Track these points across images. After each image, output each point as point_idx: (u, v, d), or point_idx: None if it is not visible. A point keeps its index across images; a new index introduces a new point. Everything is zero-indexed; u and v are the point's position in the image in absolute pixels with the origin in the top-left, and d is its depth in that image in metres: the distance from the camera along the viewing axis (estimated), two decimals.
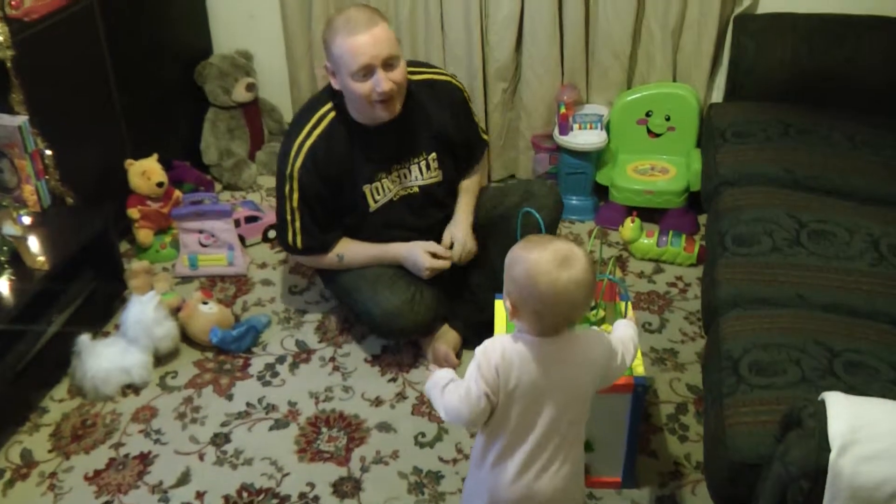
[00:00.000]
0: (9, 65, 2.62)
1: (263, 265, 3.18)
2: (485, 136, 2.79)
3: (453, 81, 2.67)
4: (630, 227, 3.06)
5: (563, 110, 3.18)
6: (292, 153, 2.48)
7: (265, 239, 3.29)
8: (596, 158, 3.27)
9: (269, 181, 3.63)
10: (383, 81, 2.32)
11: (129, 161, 3.19)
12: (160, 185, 3.18)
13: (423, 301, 2.55)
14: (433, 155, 2.62)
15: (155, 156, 3.23)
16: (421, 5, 3.30)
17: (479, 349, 1.71)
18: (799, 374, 1.90)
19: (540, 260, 1.62)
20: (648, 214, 3.22)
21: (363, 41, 2.30)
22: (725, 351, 2.03)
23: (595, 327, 2.10)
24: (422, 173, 2.62)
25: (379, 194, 2.57)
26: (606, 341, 1.79)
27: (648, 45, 3.23)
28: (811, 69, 2.90)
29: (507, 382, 1.68)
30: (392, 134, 2.50)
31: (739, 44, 3.02)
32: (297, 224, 2.55)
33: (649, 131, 3.28)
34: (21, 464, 2.42)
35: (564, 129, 3.20)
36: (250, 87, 3.61)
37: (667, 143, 3.27)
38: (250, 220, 3.26)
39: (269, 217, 3.27)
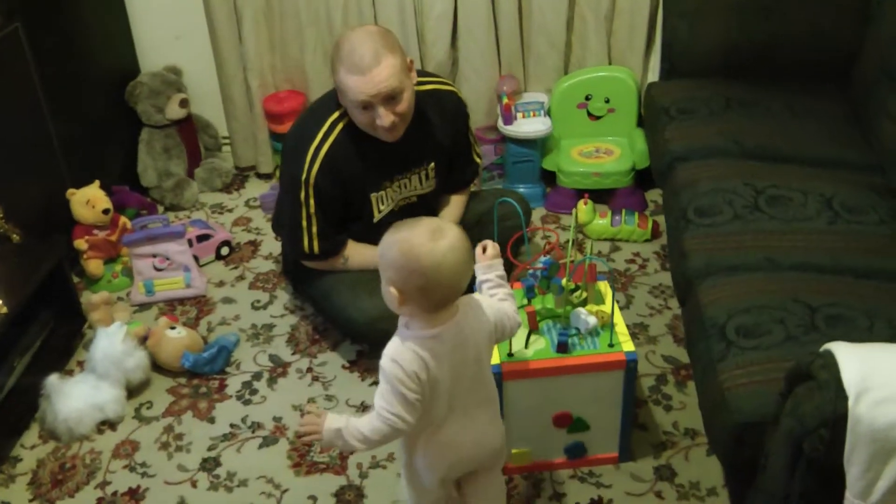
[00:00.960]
0: None
1: (221, 283, 3.13)
2: (478, 159, 2.83)
3: (457, 94, 2.71)
4: (584, 209, 3.12)
5: (505, 101, 3.22)
6: (307, 159, 2.45)
7: (218, 257, 3.24)
8: (541, 145, 3.33)
9: (212, 198, 3.59)
10: (384, 117, 2.33)
11: (70, 191, 3.10)
12: (106, 212, 3.10)
13: None
14: (432, 165, 2.64)
15: (97, 183, 3.15)
16: (354, 5, 3.29)
17: (385, 362, 1.71)
18: (784, 332, 1.98)
19: (412, 236, 1.66)
20: (597, 195, 3.28)
21: (363, 82, 2.28)
22: (709, 318, 2.10)
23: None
24: (421, 183, 2.65)
25: (383, 204, 2.59)
26: (481, 299, 1.84)
27: (582, 32, 3.29)
28: (744, 44, 2.99)
29: (429, 382, 1.71)
30: (398, 145, 2.49)
31: (672, 25, 3.10)
32: (314, 229, 2.53)
33: (590, 114, 3.34)
34: None
35: (508, 119, 3.24)
36: (184, 103, 3.54)
37: (608, 124, 3.35)
38: (202, 238, 3.20)
39: (221, 234, 3.23)
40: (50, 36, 3.05)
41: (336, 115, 2.49)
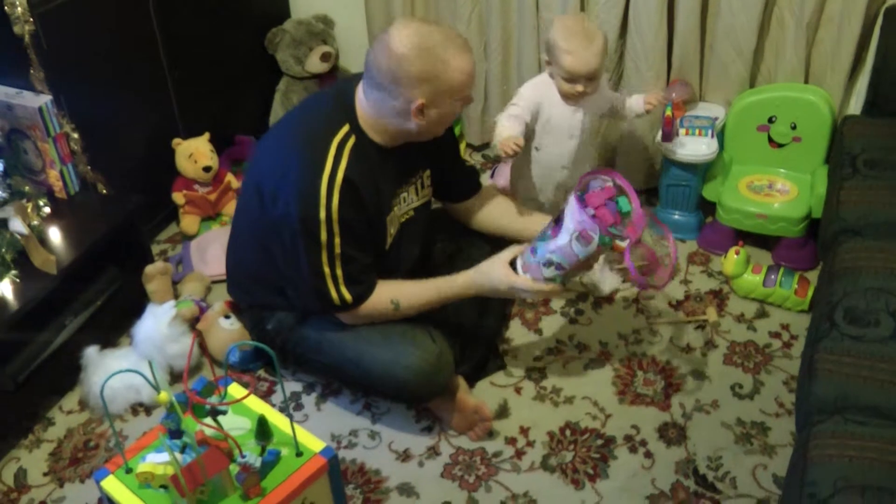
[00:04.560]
0: (27, 39, 2.35)
1: None
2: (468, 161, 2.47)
3: None
4: (734, 259, 2.56)
5: (668, 111, 2.66)
6: (321, 193, 1.98)
7: None
8: (704, 169, 2.76)
9: None
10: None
11: (176, 140, 2.92)
12: (207, 169, 2.90)
13: (446, 352, 2.18)
14: (427, 172, 2.27)
15: (206, 135, 2.95)
16: None
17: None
18: None
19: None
20: (761, 240, 2.72)
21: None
22: (809, 483, 1.56)
23: None
24: (417, 193, 2.26)
25: (392, 226, 2.19)
26: None
27: (778, 39, 2.66)
28: None
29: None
30: (398, 155, 2.12)
31: (888, 44, 2.43)
32: (340, 272, 2.06)
33: (771, 140, 2.73)
34: (13, 487, 2.22)
35: (668, 135, 2.69)
36: (326, 57, 3.26)
37: (790, 155, 2.72)
38: None
39: None
40: None
41: (343, 131, 2.04)
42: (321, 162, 1.99)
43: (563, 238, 1.97)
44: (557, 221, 2.01)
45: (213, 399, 1.71)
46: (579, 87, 2.36)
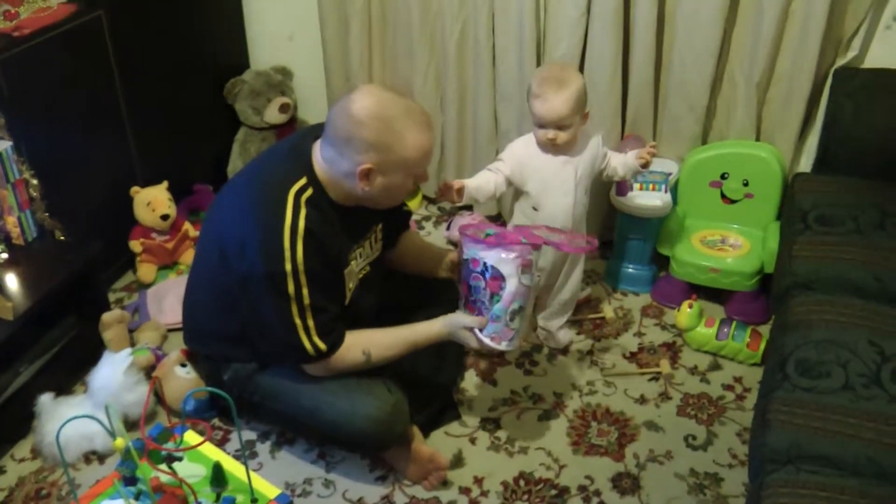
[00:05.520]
0: None
1: None
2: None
3: None
4: (687, 312, 2.60)
5: None
6: (285, 246, 1.96)
7: None
8: (657, 223, 2.82)
9: None
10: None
11: (134, 189, 2.91)
12: (165, 217, 2.89)
13: (402, 401, 2.18)
14: (380, 226, 2.28)
15: (165, 184, 2.95)
16: (471, 34, 2.92)
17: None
18: None
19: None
20: (714, 293, 2.77)
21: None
22: None
23: None
24: (371, 248, 2.27)
25: (351, 280, 2.19)
26: None
27: (729, 97, 2.75)
28: None
29: None
30: (356, 209, 2.13)
31: (837, 103, 2.52)
32: (311, 322, 2.03)
33: (724, 196, 2.80)
34: None
35: (623, 189, 2.75)
36: (284, 108, 3.28)
37: (743, 211, 2.79)
38: None
39: None
40: (142, 25, 2.86)
41: (298, 185, 2.02)
42: (280, 213, 1.98)
43: (511, 283, 2.02)
44: (471, 288, 2.08)
45: (169, 445, 1.70)
46: (549, 134, 2.32)
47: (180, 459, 1.70)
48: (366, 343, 2.12)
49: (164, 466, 1.65)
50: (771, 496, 1.65)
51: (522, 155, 2.41)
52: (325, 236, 2.03)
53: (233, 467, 1.79)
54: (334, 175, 2.04)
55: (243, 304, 2.07)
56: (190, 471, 1.75)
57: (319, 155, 2.05)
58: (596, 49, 2.72)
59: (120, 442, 1.63)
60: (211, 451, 1.84)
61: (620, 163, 2.48)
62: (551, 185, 2.40)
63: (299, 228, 1.97)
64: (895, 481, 1.67)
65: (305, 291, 2.00)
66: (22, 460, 2.37)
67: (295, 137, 2.20)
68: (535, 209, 2.44)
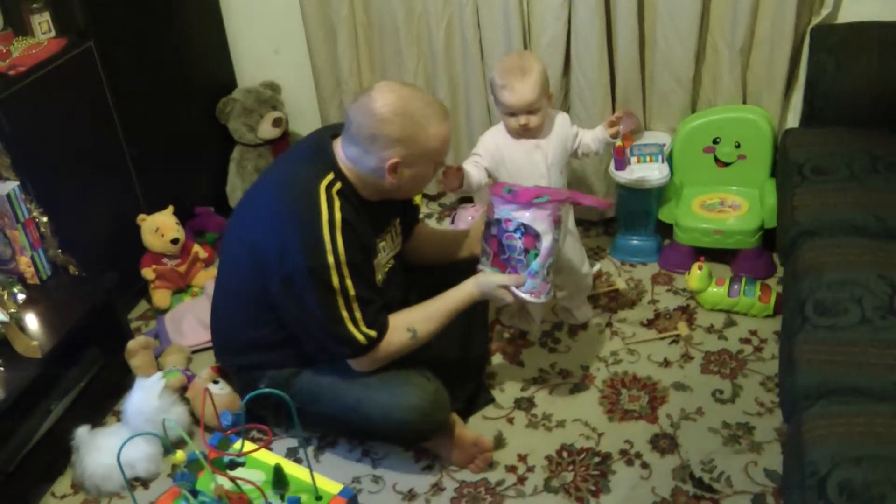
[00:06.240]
0: None
1: None
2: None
3: None
4: (698, 275, 2.68)
5: (618, 142, 2.79)
6: (325, 239, 2.00)
7: None
8: (658, 194, 2.89)
9: None
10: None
11: (141, 216, 2.94)
12: (174, 241, 2.93)
13: (441, 389, 2.23)
14: (398, 220, 2.35)
15: (170, 209, 2.98)
16: (457, 31, 2.98)
17: None
18: None
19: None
20: (719, 254, 2.84)
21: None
22: (810, 464, 1.65)
23: None
24: (393, 241, 2.33)
25: (379, 272, 2.25)
26: None
27: (714, 65, 2.83)
28: None
29: None
30: (378, 203, 2.20)
31: (817, 60, 2.60)
32: (358, 314, 2.08)
33: (717, 160, 2.88)
34: None
35: (621, 164, 2.83)
36: (277, 123, 3.33)
37: (737, 173, 2.87)
38: None
39: None
40: (131, 52, 2.90)
41: (327, 179, 2.08)
42: (315, 208, 2.02)
43: (547, 240, 2.13)
44: (503, 246, 2.17)
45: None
46: (522, 120, 2.38)
47: (243, 465, 1.74)
48: (408, 321, 2.17)
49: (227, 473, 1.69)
50: (810, 430, 1.72)
51: (495, 145, 2.48)
52: (360, 225, 2.09)
53: (289, 469, 1.84)
54: (360, 171, 2.10)
55: (287, 305, 2.11)
56: (248, 477, 1.79)
57: (342, 153, 2.11)
58: (581, 33, 2.79)
59: (180, 455, 1.67)
60: (266, 457, 1.88)
61: (592, 138, 2.52)
62: (525, 169, 2.46)
63: (336, 220, 2.02)
64: None
65: (349, 283, 2.05)
66: (63, 496, 2.38)
67: (311, 139, 2.25)
68: None
